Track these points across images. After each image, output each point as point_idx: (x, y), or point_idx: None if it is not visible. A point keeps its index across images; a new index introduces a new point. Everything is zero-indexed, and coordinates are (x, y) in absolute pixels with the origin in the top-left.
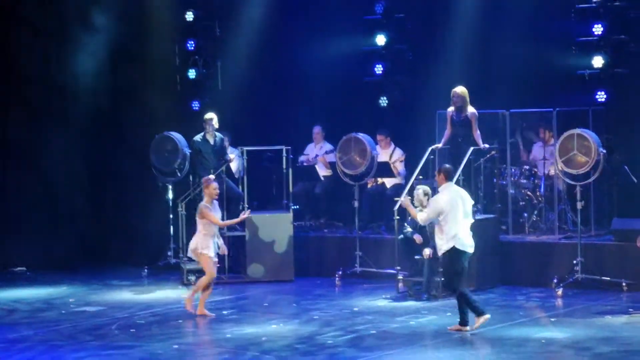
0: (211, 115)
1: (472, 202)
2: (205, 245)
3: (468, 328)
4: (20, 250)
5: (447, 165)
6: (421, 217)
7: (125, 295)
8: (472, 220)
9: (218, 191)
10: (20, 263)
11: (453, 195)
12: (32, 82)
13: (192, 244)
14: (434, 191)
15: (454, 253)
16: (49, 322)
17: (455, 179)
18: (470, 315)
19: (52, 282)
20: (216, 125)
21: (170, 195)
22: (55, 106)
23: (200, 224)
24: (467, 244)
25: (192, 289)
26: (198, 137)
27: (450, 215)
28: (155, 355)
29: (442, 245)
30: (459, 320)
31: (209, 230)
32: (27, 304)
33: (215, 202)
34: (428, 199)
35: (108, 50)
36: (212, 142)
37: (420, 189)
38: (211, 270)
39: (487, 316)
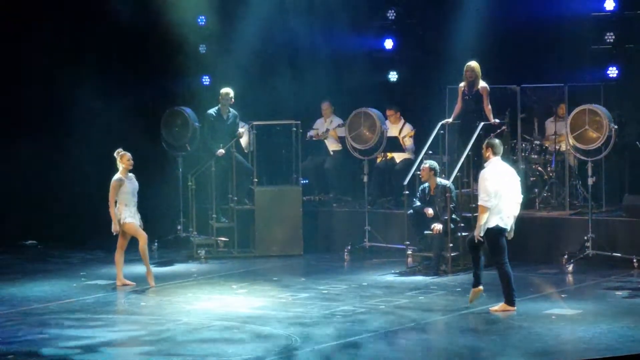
0: (227, 91)
1: (519, 178)
2: (127, 214)
3: (515, 308)
4: (30, 224)
5: (497, 140)
6: (482, 206)
7: (136, 269)
8: (521, 198)
9: (132, 162)
10: (31, 237)
11: (499, 170)
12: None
13: (117, 216)
14: (442, 167)
15: (496, 230)
16: (61, 296)
17: (465, 154)
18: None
19: (62, 256)
20: (231, 101)
21: (180, 169)
22: (67, 79)
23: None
24: (507, 221)
25: (144, 262)
26: (212, 111)
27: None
28: (163, 332)
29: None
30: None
31: (125, 200)
32: (39, 278)
33: (131, 175)
34: (435, 174)
35: (119, 25)
36: (225, 117)
37: (427, 164)
38: (141, 234)
39: (480, 289)
